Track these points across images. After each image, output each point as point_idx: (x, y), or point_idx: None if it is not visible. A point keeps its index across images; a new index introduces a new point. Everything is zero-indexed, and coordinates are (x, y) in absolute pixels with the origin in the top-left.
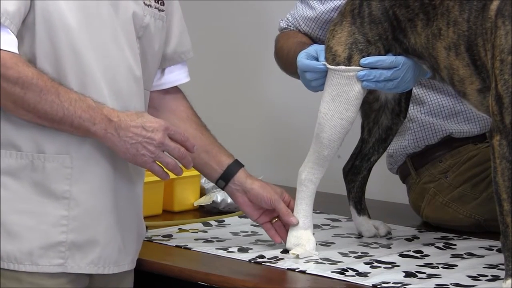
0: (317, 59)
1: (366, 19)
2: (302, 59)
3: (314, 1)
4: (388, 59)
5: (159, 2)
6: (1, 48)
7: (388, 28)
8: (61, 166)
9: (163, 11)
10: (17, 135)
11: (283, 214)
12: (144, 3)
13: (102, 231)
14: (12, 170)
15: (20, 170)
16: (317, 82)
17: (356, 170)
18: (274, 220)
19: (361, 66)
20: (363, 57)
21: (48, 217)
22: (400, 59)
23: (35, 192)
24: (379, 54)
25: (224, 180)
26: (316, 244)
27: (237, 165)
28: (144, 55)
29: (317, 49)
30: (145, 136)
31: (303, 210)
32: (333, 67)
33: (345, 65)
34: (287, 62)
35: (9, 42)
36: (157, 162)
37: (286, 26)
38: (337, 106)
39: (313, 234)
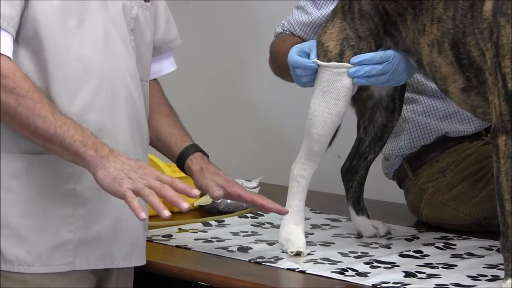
0: (309, 55)
1: (357, 14)
2: (293, 54)
3: (311, 7)
4: (378, 54)
5: None
6: (1, 53)
7: (378, 23)
8: (62, 166)
9: (148, 1)
10: (17, 137)
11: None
12: None
13: (108, 227)
14: (15, 173)
15: (23, 172)
16: (307, 78)
17: (353, 170)
18: None
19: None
20: (355, 53)
21: (54, 217)
22: (390, 52)
23: (39, 193)
24: (370, 49)
25: (182, 158)
26: (316, 244)
27: (196, 147)
28: (138, 47)
29: (311, 45)
30: (133, 167)
31: (294, 206)
32: (323, 63)
33: (337, 61)
34: (282, 64)
35: (8, 48)
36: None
37: (281, 31)
38: (327, 102)
39: (306, 233)
